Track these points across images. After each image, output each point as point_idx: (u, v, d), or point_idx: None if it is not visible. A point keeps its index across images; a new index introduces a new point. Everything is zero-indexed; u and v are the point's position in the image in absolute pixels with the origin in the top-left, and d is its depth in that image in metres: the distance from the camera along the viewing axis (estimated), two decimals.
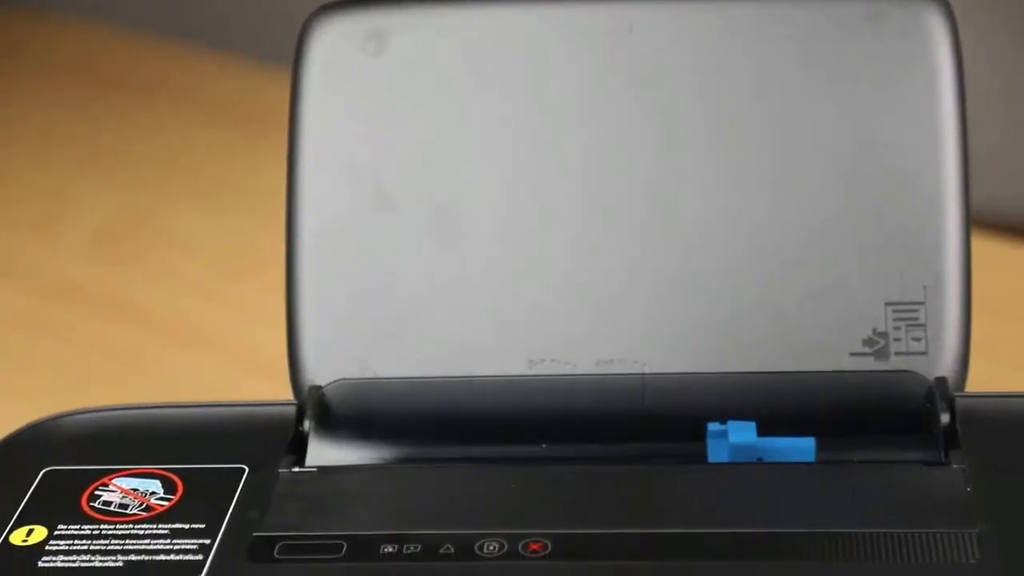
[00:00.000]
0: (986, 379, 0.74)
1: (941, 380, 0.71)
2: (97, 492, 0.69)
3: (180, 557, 0.65)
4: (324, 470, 0.71)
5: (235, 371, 1.03)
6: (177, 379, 1.03)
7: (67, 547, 0.66)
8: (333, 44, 0.75)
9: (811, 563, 0.63)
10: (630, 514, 0.67)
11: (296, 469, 0.70)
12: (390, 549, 0.65)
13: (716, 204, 0.73)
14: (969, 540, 0.63)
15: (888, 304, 0.73)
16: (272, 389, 0.76)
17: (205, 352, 1.05)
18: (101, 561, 0.65)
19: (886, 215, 0.73)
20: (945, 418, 0.70)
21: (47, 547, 0.66)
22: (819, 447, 0.70)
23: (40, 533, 0.67)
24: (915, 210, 0.73)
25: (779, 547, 0.64)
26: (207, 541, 0.66)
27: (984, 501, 0.65)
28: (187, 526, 0.67)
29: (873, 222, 0.73)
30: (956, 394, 0.71)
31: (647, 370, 0.73)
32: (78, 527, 0.67)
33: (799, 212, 0.73)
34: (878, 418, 0.71)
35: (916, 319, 0.72)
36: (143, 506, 0.68)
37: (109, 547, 0.66)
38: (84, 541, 0.66)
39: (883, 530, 0.64)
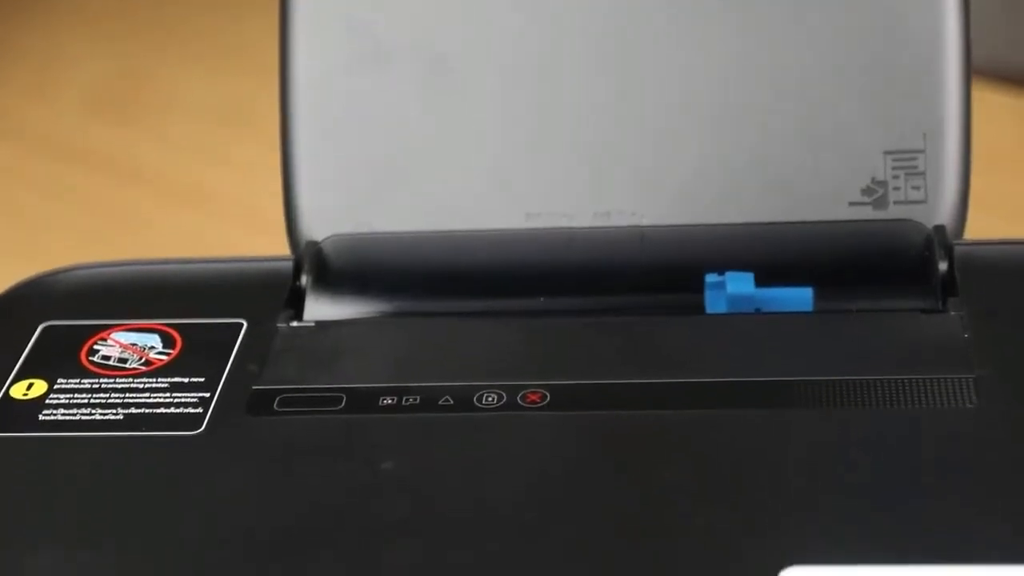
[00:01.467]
0: (984, 231, 0.73)
1: (940, 228, 0.71)
2: (96, 347, 0.69)
3: (180, 410, 0.66)
4: (322, 324, 0.71)
5: (233, 229, 1.03)
6: (175, 238, 1.03)
7: (67, 400, 0.66)
8: None
9: (810, 411, 0.63)
10: (628, 365, 0.67)
11: (294, 323, 0.70)
12: (389, 401, 0.66)
13: (714, 54, 0.73)
14: (967, 385, 0.63)
15: (887, 152, 0.72)
16: (271, 247, 0.76)
17: (203, 211, 1.06)
18: (101, 414, 0.66)
19: (885, 62, 0.72)
20: (943, 266, 0.70)
21: (47, 401, 0.67)
22: (817, 297, 0.70)
23: (40, 387, 0.67)
24: (914, 56, 0.72)
25: (777, 396, 0.64)
26: (206, 395, 0.66)
27: (982, 347, 0.65)
28: (186, 380, 0.67)
29: (872, 69, 0.72)
30: (954, 242, 0.71)
31: (645, 222, 0.73)
32: (78, 381, 0.67)
33: (797, 60, 0.72)
34: (876, 267, 0.71)
35: (915, 167, 0.72)
36: (142, 360, 0.68)
37: (109, 400, 0.66)
38: (84, 395, 0.67)
39: (881, 377, 0.64)
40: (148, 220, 1.06)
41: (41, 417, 0.66)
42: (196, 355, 0.68)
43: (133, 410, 0.66)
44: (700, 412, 0.64)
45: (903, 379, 0.64)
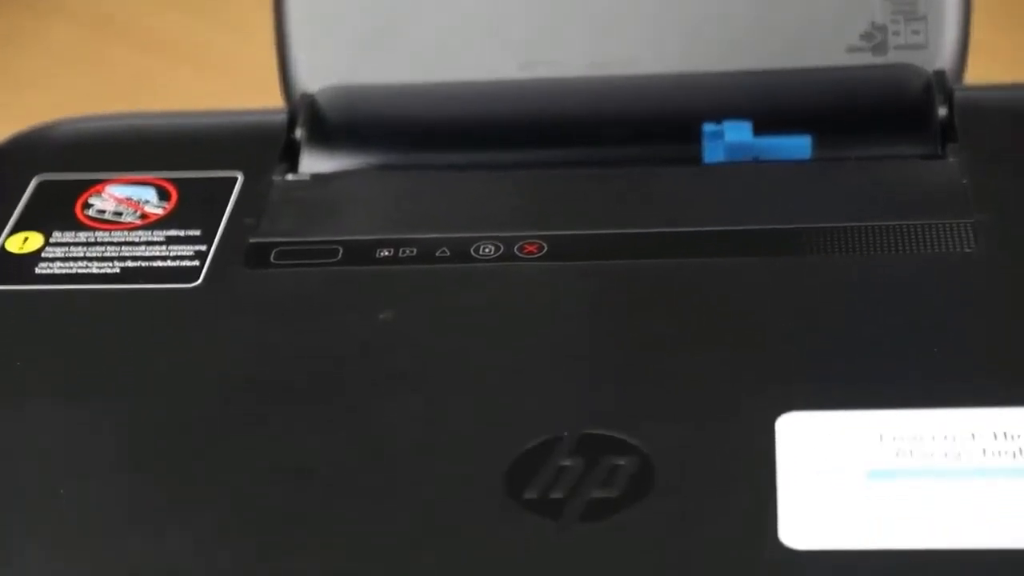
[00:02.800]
0: (983, 79, 0.73)
1: (940, 73, 0.70)
2: (91, 201, 0.69)
3: (177, 264, 0.65)
4: (318, 177, 0.70)
5: (227, 87, 1.02)
6: (168, 94, 1.02)
7: (63, 254, 0.66)
8: None
9: (808, 258, 0.63)
10: (625, 215, 0.67)
11: (290, 176, 0.70)
12: (386, 253, 0.65)
13: None
14: (965, 230, 0.63)
15: None
16: (266, 104, 0.76)
17: (197, 68, 1.05)
18: (98, 268, 0.66)
19: None
20: (943, 111, 0.69)
21: (43, 254, 0.66)
22: (816, 145, 0.70)
23: (36, 240, 0.67)
24: None
25: (775, 244, 0.64)
26: (203, 248, 0.66)
27: (981, 192, 0.65)
28: (182, 233, 0.67)
29: None
30: (954, 87, 0.70)
31: (641, 71, 0.72)
32: (73, 234, 0.67)
33: None
34: (875, 113, 0.70)
35: (915, 11, 0.71)
36: (138, 214, 0.68)
37: (105, 254, 0.66)
38: (80, 248, 0.66)
39: (880, 223, 0.64)
40: (139, 77, 1.05)
41: (37, 270, 0.66)
42: (192, 208, 0.68)
43: (129, 263, 0.66)
44: (698, 261, 0.64)
45: (902, 225, 0.63)
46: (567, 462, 0.56)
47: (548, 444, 0.57)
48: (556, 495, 0.55)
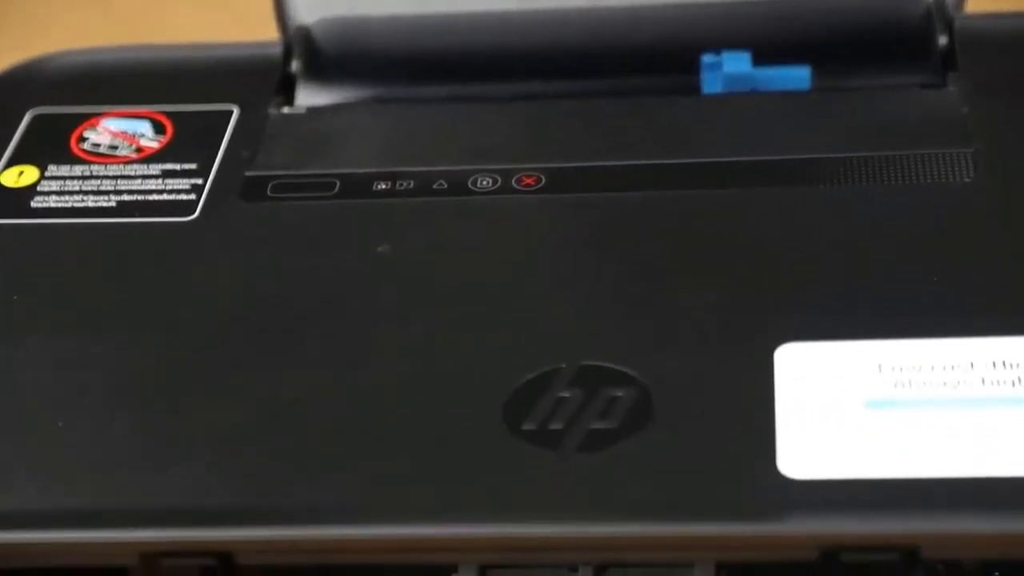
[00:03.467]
0: (985, 8, 0.72)
1: (940, 1, 0.70)
2: (86, 134, 0.68)
3: (173, 197, 0.65)
4: (314, 110, 0.70)
5: (227, 20, 1.02)
6: (167, 28, 1.02)
7: (59, 188, 0.66)
8: None
9: (807, 188, 0.63)
10: (624, 147, 0.66)
11: (286, 109, 0.70)
12: (383, 186, 0.65)
13: None
14: (965, 159, 0.63)
15: None
16: (263, 37, 0.75)
17: (195, 2, 1.04)
18: (94, 201, 0.65)
19: None
20: (943, 39, 0.68)
21: (39, 188, 0.66)
22: (815, 75, 0.69)
23: (31, 174, 0.67)
24: None
25: (774, 174, 0.64)
26: (199, 181, 0.66)
27: (980, 121, 0.64)
28: (178, 167, 0.67)
29: None
30: (955, 15, 0.69)
31: (640, 2, 0.72)
32: (68, 168, 0.67)
33: None
34: (875, 42, 0.70)
35: None
36: (133, 147, 0.67)
37: (101, 188, 0.66)
38: (76, 182, 0.66)
39: (879, 153, 0.63)
40: (139, 11, 1.04)
41: (33, 204, 0.65)
42: (187, 141, 0.68)
43: (125, 197, 0.65)
44: (696, 192, 0.63)
45: (900, 155, 0.63)
46: (566, 393, 0.56)
47: (546, 376, 0.57)
48: (555, 426, 0.55)
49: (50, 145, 0.68)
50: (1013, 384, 0.54)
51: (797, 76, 0.69)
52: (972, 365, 0.55)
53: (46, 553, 0.55)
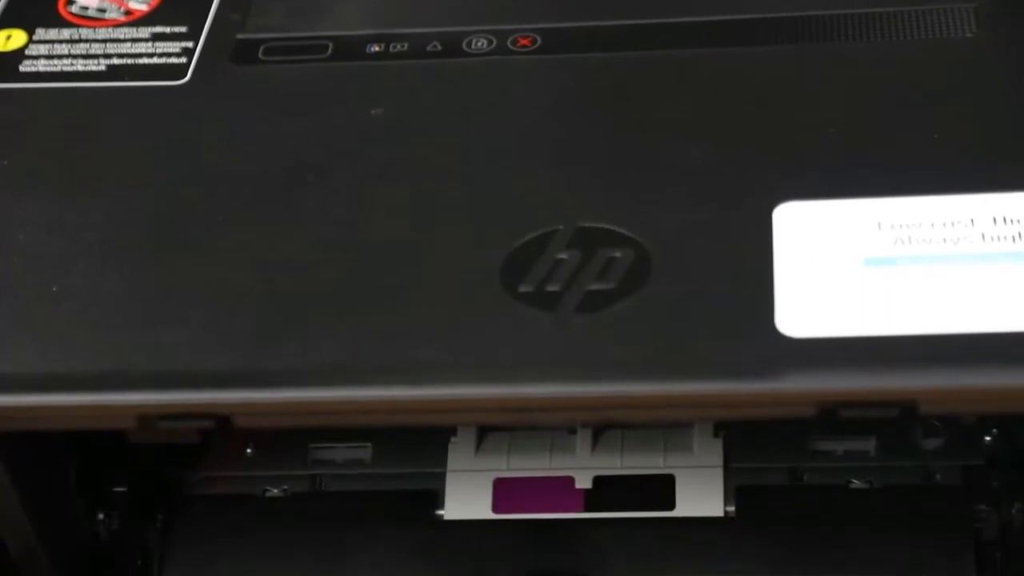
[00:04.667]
0: None
1: None
2: None
3: (163, 60, 0.64)
4: None
5: None
6: None
7: (47, 51, 0.65)
8: None
9: (807, 45, 0.62)
10: (619, 6, 0.65)
11: None
12: (376, 48, 0.64)
13: None
14: (967, 14, 0.62)
15: None
16: None
17: None
18: (84, 65, 0.64)
19: None
20: None
21: (27, 52, 0.65)
22: None
23: (19, 38, 0.66)
24: None
25: (774, 32, 0.63)
26: (189, 44, 0.65)
27: None
28: (168, 30, 0.66)
29: None
30: None
31: None
32: (57, 31, 0.66)
33: None
34: None
35: None
36: (122, 10, 0.66)
37: (90, 52, 0.65)
38: (64, 45, 0.65)
39: (880, 8, 0.62)
40: None
41: (22, 68, 0.64)
42: (177, 4, 0.67)
43: (115, 60, 0.64)
44: (694, 51, 0.63)
45: (903, 11, 0.62)
46: (563, 255, 0.56)
47: (543, 237, 0.56)
48: (552, 288, 0.55)
49: (38, 8, 0.67)
50: (1013, 239, 0.53)
51: None
52: (972, 221, 0.54)
53: (43, 416, 0.55)
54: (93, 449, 0.63)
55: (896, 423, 0.59)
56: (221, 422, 0.54)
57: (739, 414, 0.54)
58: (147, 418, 0.54)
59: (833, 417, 0.52)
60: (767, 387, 0.52)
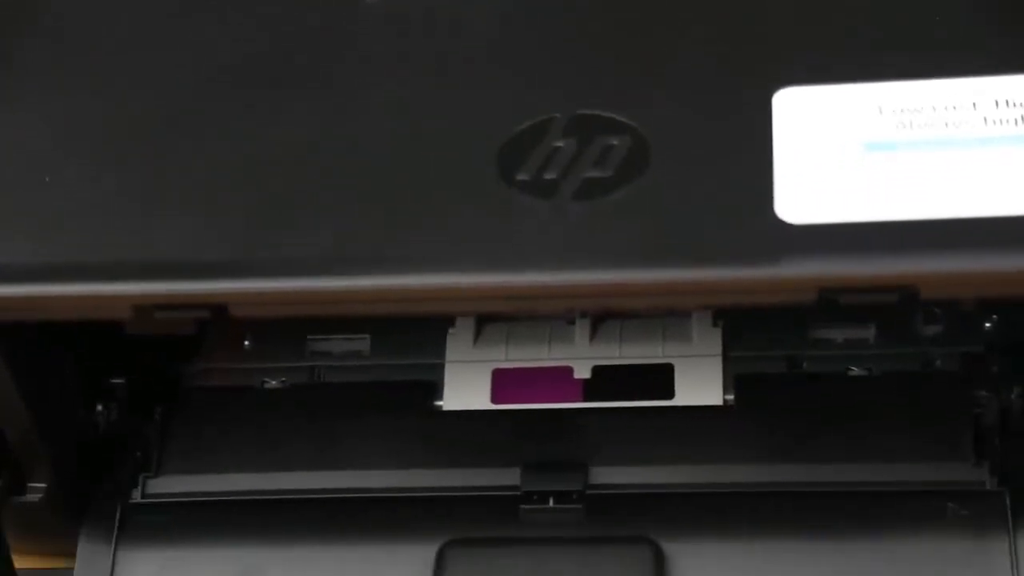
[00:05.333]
0: None
1: None
2: None
3: None
4: None
5: None
6: None
7: None
8: None
9: None
10: None
11: None
12: None
13: None
14: None
15: None
16: None
17: None
18: None
19: None
20: None
21: None
22: None
23: None
24: None
25: None
26: None
27: None
28: None
29: None
30: None
31: None
32: None
33: None
34: None
35: None
36: None
37: None
38: None
39: None
40: None
41: None
42: None
43: None
44: None
45: None
46: (560, 142, 0.55)
47: (540, 125, 0.56)
48: (550, 176, 0.55)
49: None
50: (1016, 123, 0.53)
51: None
52: (974, 105, 0.54)
53: (40, 306, 0.55)
54: (91, 341, 0.63)
55: (896, 309, 0.59)
56: (217, 312, 0.54)
57: (739, 301, 0.54)
58: (143, 308, 0.54)
59: (833, 303, 0.52)
60: (767, 273, 0.52)
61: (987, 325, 0.63)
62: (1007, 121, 0.53)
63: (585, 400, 0.64)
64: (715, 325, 0.65)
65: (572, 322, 0.66)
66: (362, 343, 0.67)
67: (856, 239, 0.51)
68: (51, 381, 0.61)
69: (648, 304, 0.61)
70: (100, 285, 0.54)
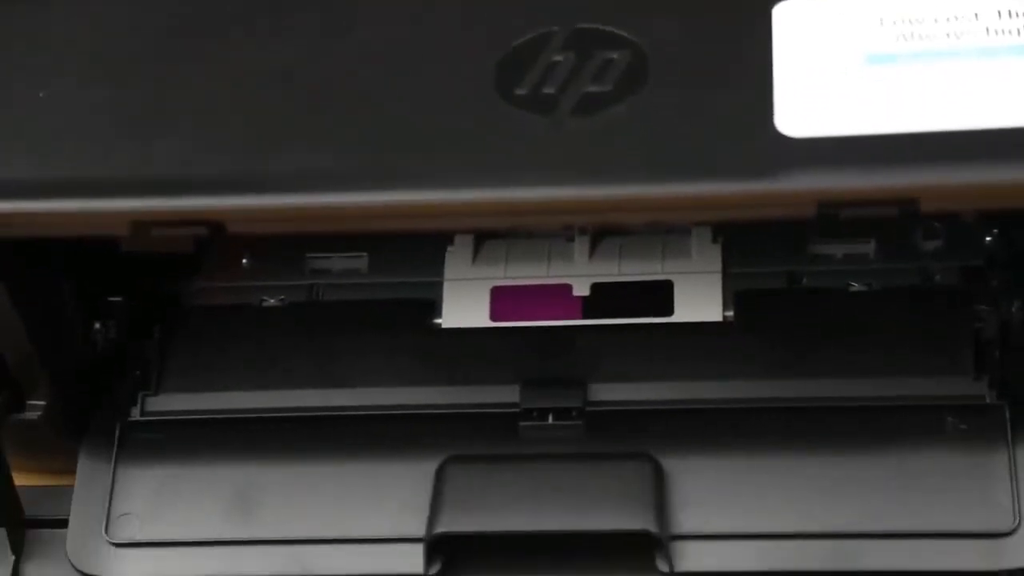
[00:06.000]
0: None
1: None
2: None
3: None
4: None
5: None
6: None
7: None
8: None
9: None
10: None
11: None
12: None
13: None
14: None
15: None
16: None
17: None
18: None
19: None
20: None
21: None
22: None
23: None
24: None
25: None
26: None
27: None
28: None
29: None
30: None
31: None
32: None
33: None
34: None
35: None
36: None
37: None
38: None
39: None
40: None
41: None
42: None
43: None
44: None
45: None
46: (559, 57, 0.55)
47: (539, 39, 0.55)
48: (548, 90, 0.54)
49: None
50: (1018, 33, 0.52)
51: None
52: (976, 16, 0.53)
53: (37, 223, 0.55)
54: (89, 260, 0.63)
55: (896, 224, 0.59)
56: (214, 229, 0.54)
57: (738, 216, 0.54)
58: (140, 225, 0.54)
59: (833, 218, 0.52)
60: (766, 187, 0.52)
61: (987, 239, 0.63)
62: (1009, 32, 0.53)
63: (584, 317, 0.64)
64: (715, 241, 0.65)
65: (571, 239, 0.66)
66: (360, 261, 0.66)
67: (856, 152, 0.51)
68: (49, 299, 0.61)
69: (647, 219, 0.61)
70: (98, 201, 0.54)
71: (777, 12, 0.54)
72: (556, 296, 0.65)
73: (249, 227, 0.54)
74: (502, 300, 0.65)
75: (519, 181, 0.53)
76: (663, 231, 0.65)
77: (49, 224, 0.54)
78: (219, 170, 0.54)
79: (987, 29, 0.53)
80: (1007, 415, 0.59)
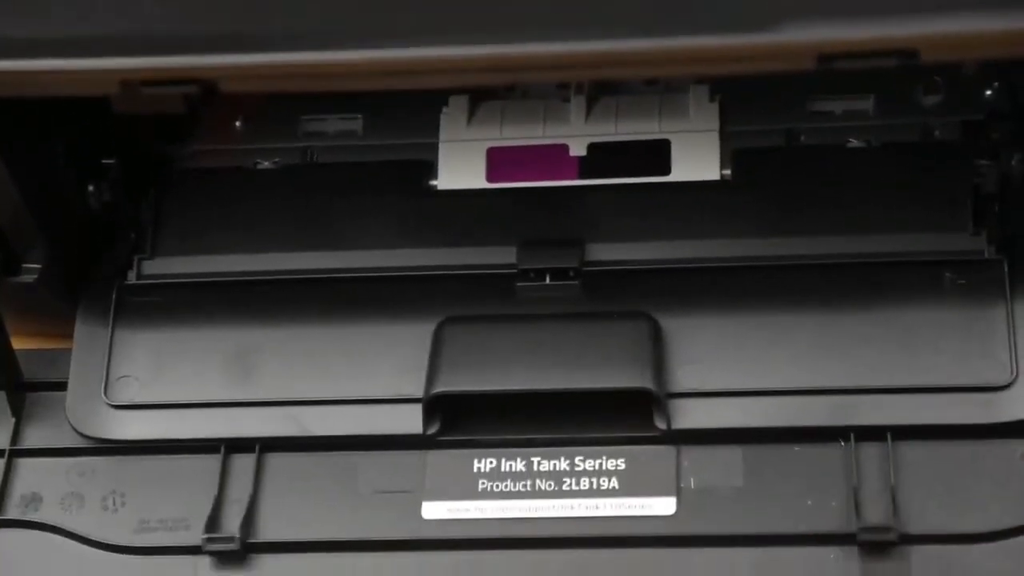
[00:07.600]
0: None
1: None
2: None
3: None
4: None
5: None
6: None
7: None
8: None
9: None
10: None
11: None
12: None
13: None
14: None
15: None
16: None
17: None
18: None
19: None
20: None
21: None
22: None
23: None
24: None
25: None
26: None
27: None
28: None
29: None
30: None
31: None
32: None
33: None
34: None
35: None
36: None
37: None
38: None
39: None
40: None
41: None
42: None
43: None
44: None
45: None
46: None
47: None
48: None
49: None
50: None
51: None
52: None
53: (28, 82, 0.54)
54: (82, 122, 0.62)
55: (895, 78, 0.58)
56: (206, 87, 0.53)
57: (736, 70, 0.53)
58: (130, 83, 0.53)
59: (832, 71, 0.51)
60: (764, 39, 0.51)
61: (987, 93, 0.62)
62: None
63: (581, 177, 0.64)
64: (712, 100, 0.64)
65: (567, 100, 0.65)
66: (355, 123, 0.66)
67: (855, 2, 0.50)
68: (41, 160, 0.61)
69: (643, 74, 0.60)
70: (87, 60, 0.53)
71: None
72: (552, 156, 0.64)
73: (241, 85, 0.54)
74: (498, 161, 0.64)
75: (513, 36, 0.52)
76: (660, 90, 0.65)
77: (38, 83, 0.54)
78: (210, 27, 0.53)
79: None
80: (1005, 269, 0.59)
